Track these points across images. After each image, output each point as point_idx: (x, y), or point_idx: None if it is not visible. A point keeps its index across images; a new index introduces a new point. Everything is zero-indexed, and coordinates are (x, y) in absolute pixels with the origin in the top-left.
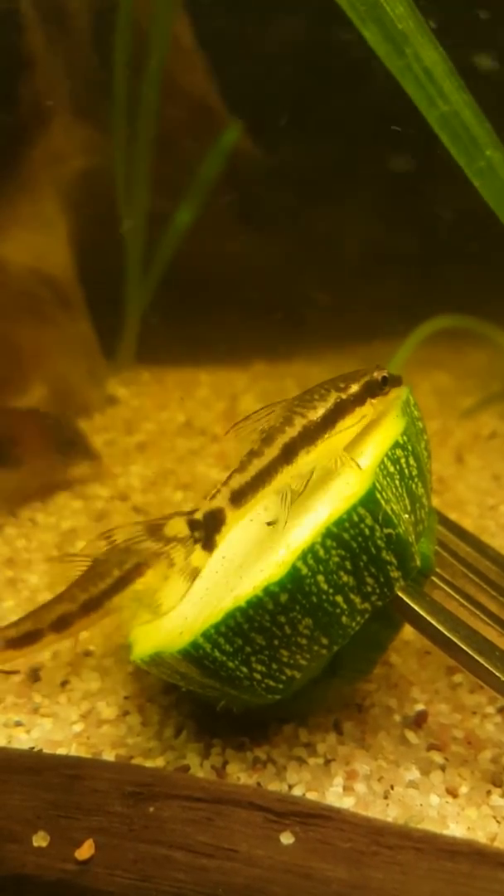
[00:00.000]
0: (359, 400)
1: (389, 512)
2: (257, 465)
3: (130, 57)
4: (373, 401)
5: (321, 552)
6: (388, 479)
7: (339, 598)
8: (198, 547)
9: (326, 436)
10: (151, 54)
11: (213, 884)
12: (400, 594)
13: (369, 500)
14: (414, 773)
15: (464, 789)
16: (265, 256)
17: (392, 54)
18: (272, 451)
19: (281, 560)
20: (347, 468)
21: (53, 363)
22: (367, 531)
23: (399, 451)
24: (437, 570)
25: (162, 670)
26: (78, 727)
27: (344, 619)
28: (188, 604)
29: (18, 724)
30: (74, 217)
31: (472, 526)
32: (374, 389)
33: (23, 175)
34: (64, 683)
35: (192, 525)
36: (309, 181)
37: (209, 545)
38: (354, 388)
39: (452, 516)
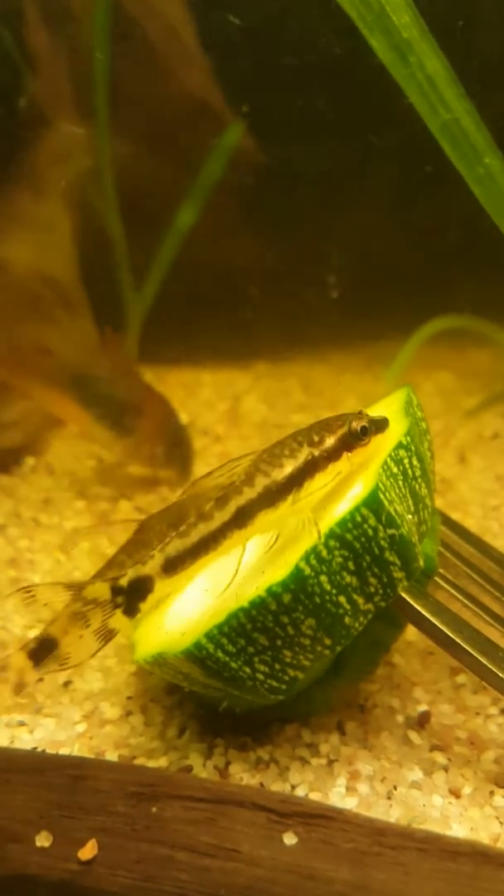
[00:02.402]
0: (334, 455)
1: (393, 512)
2: (202, 530)
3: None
4: (349, 454)
5: (324, 553)
6: (392, 479)
7: (342, 599)
8: (118, 612)
9: (290, 498)
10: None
11: (215, 884)
12: (403, 595)
13: (372, 501)
14: (417, 774)
15: (467, 790)
16: (268, 255)
17: (397, 62)
18: (223, 516)
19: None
20: (307, 533)
21: None
22: (370, 532)
23: (402, 452)
24: (441, 570)
25: (165, 671)
26: (81, 727)
27: (347, 619)
28: (189, 604)
29: (21, 724)
30: (76, 217)
31: (475, 526)
32: (352, 442)
33: (25, 174)
34: (67, 684)
35: (115, 591)
36: (312, 181)
37: (131, 612)
38: (329, 441)
39: (455, 517)
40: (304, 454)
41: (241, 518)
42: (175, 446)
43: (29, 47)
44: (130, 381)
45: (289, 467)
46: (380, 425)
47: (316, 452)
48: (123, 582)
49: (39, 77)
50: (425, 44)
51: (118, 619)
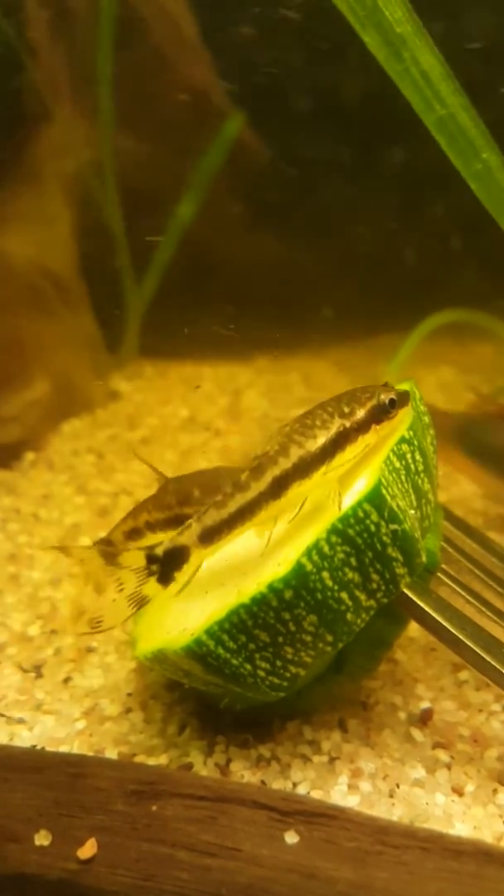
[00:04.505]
0: (363, 427)
1: (395, 508)
2: (239, 500)
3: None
4: (377, 427)
5: (326, 548)
6: (394, 474)
7: (343, 595)
8: (152, 579)
9: (323, 469)
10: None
11: (216, 883)
12: (405, 591)
13: (375, 496)
14: (419, 772)
15: (470, 788)
16: (270, 249)
17: (391, 58)
18: (259, 486)
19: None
20: (331, 503)
21: (56, 357)
22: (372, 527)
23: (405, 447)
24: (443, 566)
25: (165, 667)
26: (80, 724)
27: (349, 615)
28: (191, 602)
29: (21, 721)
30: (77, 211)
31: (477, 522)
32: (380, 415)
33: (25, 169)
34: (66, 680)
35: (150, 560)
36: (313, 175)
37: (165, 580)
38: (360, 413)
39: (458, 512)
40: (336, 425)
41: (277, 488)
42: None
43: (29, 40)
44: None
45: (322, 438)
46: (404, 398)
47: (347, 424)
48: (159, 551)
49: (39, 70)
50: (419, 39)
51: (151, 587)
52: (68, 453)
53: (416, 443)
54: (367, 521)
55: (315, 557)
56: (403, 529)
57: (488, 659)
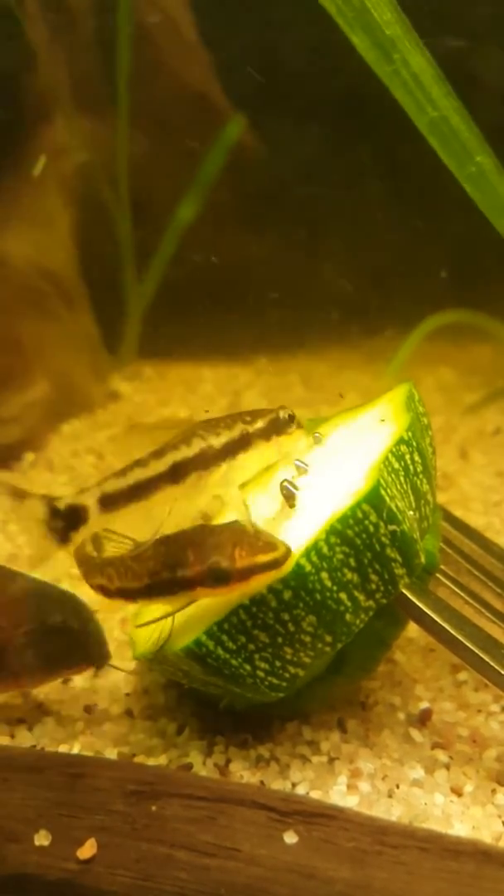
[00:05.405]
0: (264, 435)
1: (394, 508)
2: (138, 474)
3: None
4: (277, 438)
5: (325, 549)
6: (393, 475)
7: (342, 596)
8: (51, 533)
9: (224, 465)
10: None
11: (215, 883)
12: (404, 591)
13: (373, 497)
14: (418, 772)
15: (468, 788)
16: (269, 251)
17: (381, 60)
18: (158, 466)
19: None
20: (233, 507)
21: (56, 358)
22: (371, 528)
23: (404, 448)
24: (442, 567)
25: (164, 668)
26: (80, 725)
27: (348, 616)
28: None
29: (21, 721)
30: (77, 211)
31: (476, 522)
32: (281, 427)
33: (25, 169)
34: (66, 680)
35: (53, 512)
36: (311, 176)
37: (64, 539)
38: (260, 423)
39: (457, 513)
40: (239, 428)
41: (175, 473)
42: None
43: (29, 40)
44: None
45: (224, 437)
46: (299, 421)
47: (249, 430)
48: (61, 504)
49: (39, 70)
50: (409, 41)
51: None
52: (68, 454)
53: (414, 444)
54: (366, 522)
55: (314, 558)
56: (402, 530)
57: (487, 659)
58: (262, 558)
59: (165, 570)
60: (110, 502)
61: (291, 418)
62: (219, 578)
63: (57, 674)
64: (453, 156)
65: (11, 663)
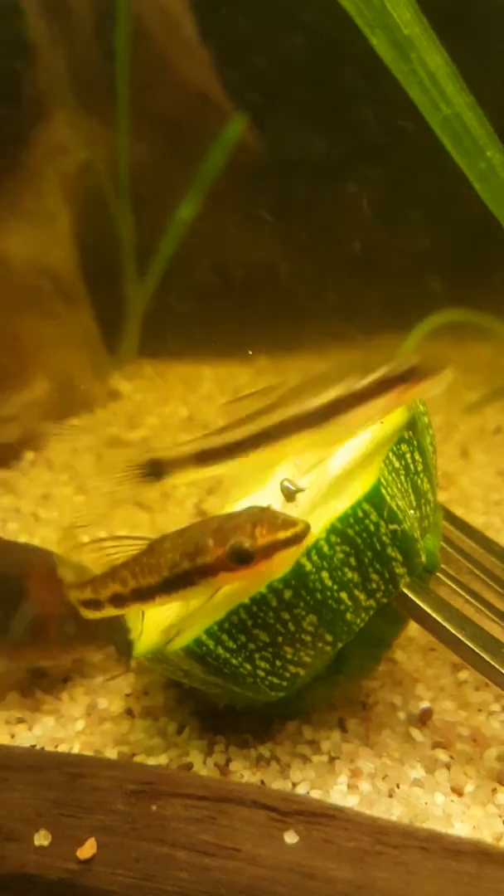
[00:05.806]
0: (367, 395)
1: (394, 507)
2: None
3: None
4: (388, 395)
5: (325, 548)
6: (394, 474)
7: (343, 595)
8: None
9: (327, 426)
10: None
11: (215, 883)
12: (405, 591)
13: (374, 496)
14: (419, 772)
15: (469, 788)
16: (269, 249)
17: (398, 59)
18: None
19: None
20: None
21: (56, 357)
22: (371, 527)
23: (404, 447)
24: (443, 566)
25: (165, 667)
26: (80, 724)
27: (348, 615)
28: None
29: (20, 720)
30: (77, 210)
31: (477, 521)
32: (394, 383)
33: (24, 168)
34: (66, 680)
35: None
36: (312, 174)
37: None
38: (363, 382)
39: (458, 512)
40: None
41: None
42: None
43: (28, 39)
44: None
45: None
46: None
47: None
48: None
49: (40, 68)
50: (426, 39)
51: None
52: (68, 453)
53: (415, 443)
54: (367, 521)
55: (314, 557)
56: (403, 529)
57: (488, 659)
58: (283, 534)
59: (185, 559)
60: (207, 457)
61: (414, 370)
62: (242, 558)
63: (94, 644)
64: (464, 152)
65: (54, 634)
